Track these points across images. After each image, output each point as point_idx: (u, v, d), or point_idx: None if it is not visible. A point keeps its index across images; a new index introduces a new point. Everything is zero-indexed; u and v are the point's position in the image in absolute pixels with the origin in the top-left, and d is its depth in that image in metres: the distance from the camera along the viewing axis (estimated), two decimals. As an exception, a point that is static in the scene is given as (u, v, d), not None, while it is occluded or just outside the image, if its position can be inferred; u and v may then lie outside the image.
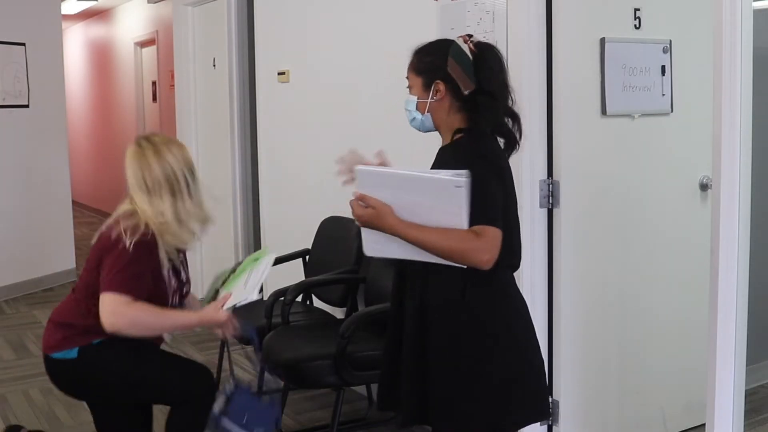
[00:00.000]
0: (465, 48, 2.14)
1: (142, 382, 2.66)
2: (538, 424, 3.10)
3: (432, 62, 2.18)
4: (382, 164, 2.30)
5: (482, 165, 2.08)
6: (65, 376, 2.65)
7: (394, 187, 2.11)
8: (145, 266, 2.53)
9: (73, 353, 2.59)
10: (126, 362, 2.62)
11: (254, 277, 2.58)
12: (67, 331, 2.62)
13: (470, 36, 2.19)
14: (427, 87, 2.18)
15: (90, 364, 2.60)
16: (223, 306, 2.55)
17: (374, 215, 2.09)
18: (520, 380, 2.18)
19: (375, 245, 2.19)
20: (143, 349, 2.65)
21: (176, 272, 2.69)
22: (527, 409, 2.22)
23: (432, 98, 2.17)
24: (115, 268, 2.49)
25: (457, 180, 1.99)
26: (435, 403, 2.17)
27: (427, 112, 2.19)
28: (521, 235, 2.99)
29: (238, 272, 2.70)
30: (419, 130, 2.26)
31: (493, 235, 2.03)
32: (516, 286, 2.26)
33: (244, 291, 2.55)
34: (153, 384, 2.68)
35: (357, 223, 2.16)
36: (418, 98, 2.19)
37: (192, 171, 2.66)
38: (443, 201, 2.04)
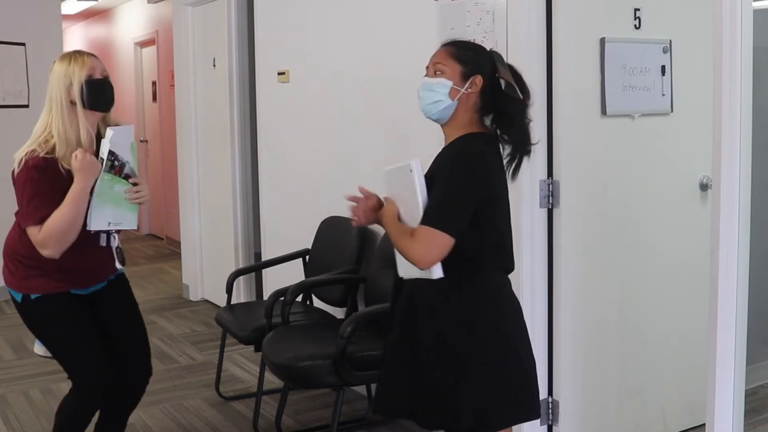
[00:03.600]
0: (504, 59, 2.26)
1: (53, 348, 2.80)
2: (538, 424, 3.12)
3: (477, 57, 2.24)
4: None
5: (460, 166, 2.15)
6: (18, 311, 2.80)
7: (393, 184, 2.25)
8: (43, 186, 2.57)
9: (18, 296, 2.74)
10: (46, 326, 2.77)
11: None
12: (12, 265, 2.74)
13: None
14: (465, 77, 2.21)
15: (26, 313, 2.77)
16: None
17: (381, 211, 2.25)
18: (508, 380, 2.20)
19: (402, 265, 2.27)
20: (68, 319, 2.74)
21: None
22: (515, 408, 2.24)
23: (467, 89, 2.21)
24: (20, 202, 2.60)
25: (408, 164, 2.12)
26: (423, 399, 2.23)
27: (456, 100, 2.21)
28: (521, 236, 3.03)
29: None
30: (429, 116, 2.27)
31: (429, 237, 2.10)
32: (508, 287, 2.28)
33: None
34: (57, 354, 2.81)
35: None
36: (453, 84, 2.21)
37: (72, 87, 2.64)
38: (407, 189, 2.16)
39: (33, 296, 2.71)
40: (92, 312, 2.82)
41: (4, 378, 4.38)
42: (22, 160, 2.59)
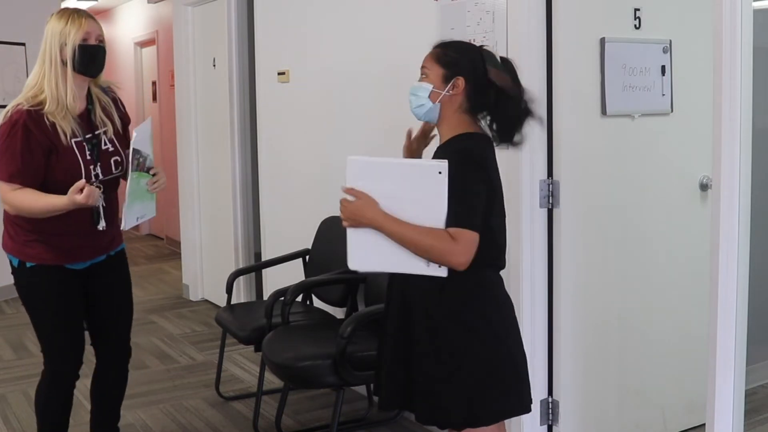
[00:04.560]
0: (496, 56, 2.25)
1: (34, 318, 2.81)
2: (538, 423, 3.12)
3: (459, 59, 2.25)
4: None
5: (466, 164, 2.15)
6: (12, 274, 2.81)
7: (383, 178, 2.17)
8: (18, 142, 2.58)
9: (15, 261, 2.77)
10: (34, 296, 2.78)
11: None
12: (12, 230, 2.75)
13: (491, 48, 2.30)
14: (446, 79, 2.24)
15: (19, 279, 2.78)
16: (83, 191, 2.54)
17: (359, 206, 2.15)
18: (499, 373, 2.24)
19: (361, 256, 2.21)
20: (57, 295, 2.76)
21: (87, 143, 2.71)
22: (506, 403, 2.28)
23: (448, 91, 2.23)
24: None
25: (440, 166, 2.08)
26: (417, 392, 2.26)
27: (438, 102, 2.25)
28: (521, 236, 3.03)
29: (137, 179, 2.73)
30: (419, 118, 2.32)
31: (469, 239, 2.11)
32: (501, 284, 2.31)
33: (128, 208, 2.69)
34: (37, 325, 2.83)
35: (343, 223, 2.20)
36: (433, 87, 2.24)
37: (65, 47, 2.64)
38: (426, 190, 2.11)
39: (29, 264, 2.73)
40: (87, 285, 2.83)
41: (4, 378, 4.38)
42: (8, 112, 2.61)
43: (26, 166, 2.59)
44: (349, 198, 2.17)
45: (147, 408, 3.91)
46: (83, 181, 2.56)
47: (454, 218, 2.10)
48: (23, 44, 6.16)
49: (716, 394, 2.47)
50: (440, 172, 2.07)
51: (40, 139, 2.60)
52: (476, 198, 2.14)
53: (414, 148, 2.49)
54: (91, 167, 2.69)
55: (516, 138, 2.28)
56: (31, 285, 2.77)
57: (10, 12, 6.14)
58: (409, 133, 2.49)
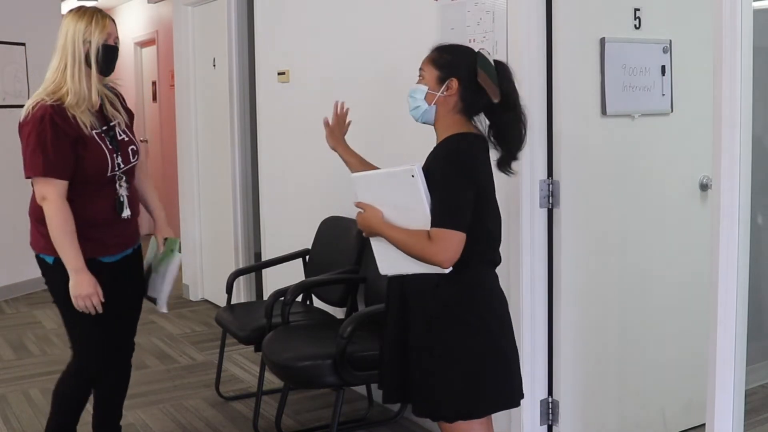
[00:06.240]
0: (490, 60, 2.28)
1: (67, 315, 2.78)
2: (538, 423, 3.12)
3: (453, 60, 2.30)
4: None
5: (452, 165, 2.21)
6: (44, 274, 2.80)
7: (375, 189, 2.31)
8: (48, 135, 2.59)
9: (50, 259, 2.74)
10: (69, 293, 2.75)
11: (163, 278, 2.98)
12: (44, 228, 2.71)
13: (488, 53, 2.32)
14: (440, 81, 2.29)
15: (54, 276, 2.74)
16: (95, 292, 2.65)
17: (365, 217, 2.31)
18: (493, 369, 2.28)
19: (386, 262, 2.34)
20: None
21: (106, 135, 2.75)
22: (498, 396, 2.32)
23: (442, 93, 2.28)
24: (24, 152, 2.64)
25: (411, 169, 2.17)
26: (413, 386, 2.31)
27: (434, 104, 2.29)
28: (521, 236, 3.03)
29: (161, 258, 3.00)
30: (416, 120, 2.37)
31: (447, 238, 2.16)
32: (496, 281, 2.36)
33: (156, 289, 2.99)
34: (69, 322, 2.80)
35: (363, 234, 2.35)
36: (429, 89, 2.29)
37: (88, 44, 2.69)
38: (406, 194, 2.20)
39: None
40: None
41: (4, 378, 4.38)
42: (30, 110, 2.63)
43: (59, 159, 2.61)
44: (361, 211, 2.31)
45: (147, 408, 3.91)
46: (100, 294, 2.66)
47: (435, 218, 2.17)
48: (23, 44, 6.16)
49: (716, 394, 2.47)
50: (413, 176, 2.16)
51: (68, 131, 2.63)
52: (460, 198, 2.18)
53: (337, 134, 2.73)
54: (114, 156, 2.74)
55: (513, 148, 2.33)
56: (67, 281, 2.70)
57: (10, 12, 6.14)
58: (326, 121, 2.69)
